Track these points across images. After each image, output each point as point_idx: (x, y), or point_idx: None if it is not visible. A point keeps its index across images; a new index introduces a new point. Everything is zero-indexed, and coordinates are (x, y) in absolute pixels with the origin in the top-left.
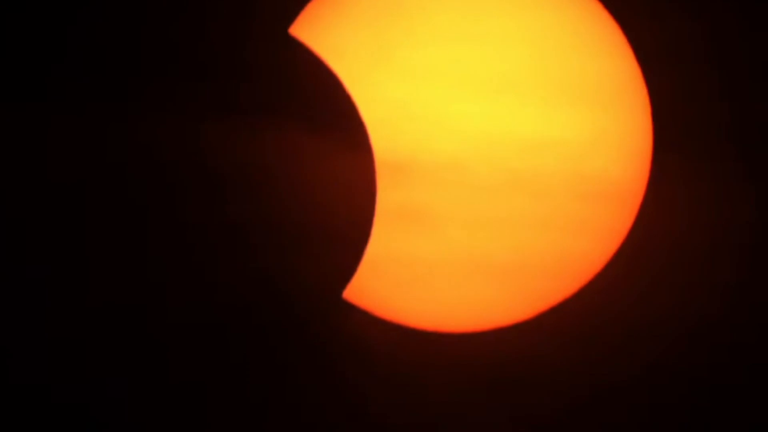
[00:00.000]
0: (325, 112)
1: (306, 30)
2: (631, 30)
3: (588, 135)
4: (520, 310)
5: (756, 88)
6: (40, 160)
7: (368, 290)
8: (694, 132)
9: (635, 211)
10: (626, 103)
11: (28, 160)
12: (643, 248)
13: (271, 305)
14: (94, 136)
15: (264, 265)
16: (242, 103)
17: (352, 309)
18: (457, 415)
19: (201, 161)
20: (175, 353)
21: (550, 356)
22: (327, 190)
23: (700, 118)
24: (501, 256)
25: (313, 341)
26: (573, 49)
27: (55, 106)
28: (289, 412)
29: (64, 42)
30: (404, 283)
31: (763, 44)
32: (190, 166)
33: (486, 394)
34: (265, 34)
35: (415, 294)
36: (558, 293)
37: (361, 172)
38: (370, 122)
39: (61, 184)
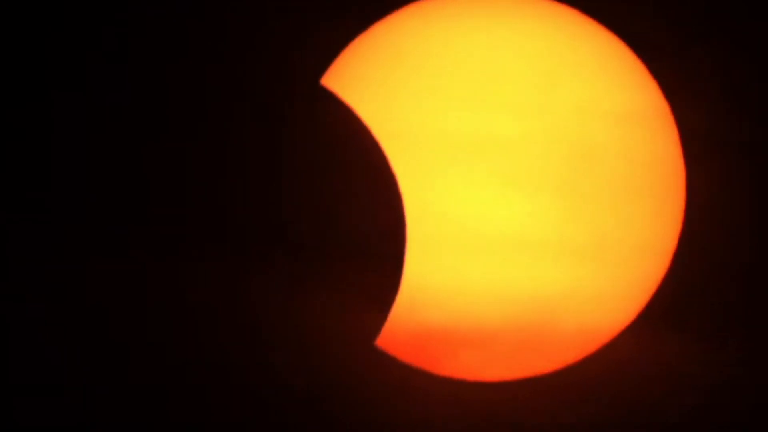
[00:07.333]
0: (355, 162)
1: (337, 81)
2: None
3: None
4: (546, 362)
5: None
6: None
7: (400, 337)
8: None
9: (665, 269)
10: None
11: None
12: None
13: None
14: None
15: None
16: (275, 150)
17: (384, 356)
18: None
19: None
20: (206, 400)
21: (575, 408)
22: (357, 238)
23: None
24: (530, 311)
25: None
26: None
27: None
28: None
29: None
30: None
31: None
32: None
33: None
34: (296, 84)
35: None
36: (585, 348)
37: (391, 220)
38: (399, 171)
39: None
